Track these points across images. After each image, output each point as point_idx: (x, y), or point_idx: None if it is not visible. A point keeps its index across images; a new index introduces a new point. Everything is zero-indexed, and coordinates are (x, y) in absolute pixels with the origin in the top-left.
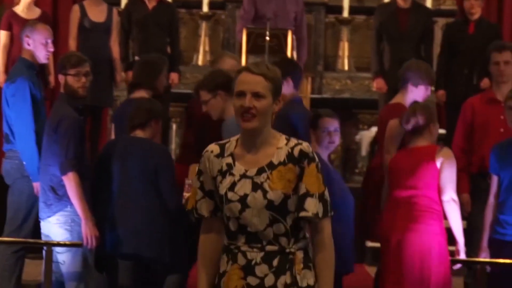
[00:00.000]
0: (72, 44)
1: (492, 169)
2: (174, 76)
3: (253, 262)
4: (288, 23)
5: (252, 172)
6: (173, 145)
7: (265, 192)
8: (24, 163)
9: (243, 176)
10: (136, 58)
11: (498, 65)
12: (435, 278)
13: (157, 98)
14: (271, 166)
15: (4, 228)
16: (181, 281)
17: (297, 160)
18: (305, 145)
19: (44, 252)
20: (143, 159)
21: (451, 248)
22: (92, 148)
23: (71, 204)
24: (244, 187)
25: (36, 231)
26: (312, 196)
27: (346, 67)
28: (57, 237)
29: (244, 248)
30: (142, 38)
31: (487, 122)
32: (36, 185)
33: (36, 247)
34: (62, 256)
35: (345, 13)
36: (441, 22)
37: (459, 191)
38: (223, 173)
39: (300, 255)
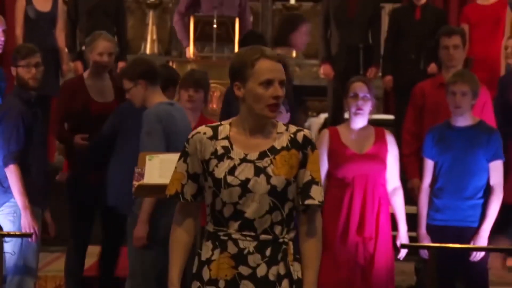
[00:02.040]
0: (19, 33)
1: (427, 154)
2: (122, 65)
3: (246, 251)
4: (233, 11)
5: (253, 156)
6: None
7: (268, 177)
8: None
9: (244, 160)
10: (83, 48)
11: (447, 49)
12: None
13: None
14: (274, 150)
15: None
16: None
17: (301, 145)
18: (307, 132)
19: None
20: None
21: (394, 233)
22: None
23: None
24: (246, 171)
25: None
26: (317, 183)
27: (294, 54)
28: (3, 228)
29: (236, 236)
30: (89, 27)
31: (438, 106)
32: None
33: None
34: (9, 247)
35: (292, 0)
36: (388, 7)
37: (410, 176)
38: (218, 156)
39: (291, 246)
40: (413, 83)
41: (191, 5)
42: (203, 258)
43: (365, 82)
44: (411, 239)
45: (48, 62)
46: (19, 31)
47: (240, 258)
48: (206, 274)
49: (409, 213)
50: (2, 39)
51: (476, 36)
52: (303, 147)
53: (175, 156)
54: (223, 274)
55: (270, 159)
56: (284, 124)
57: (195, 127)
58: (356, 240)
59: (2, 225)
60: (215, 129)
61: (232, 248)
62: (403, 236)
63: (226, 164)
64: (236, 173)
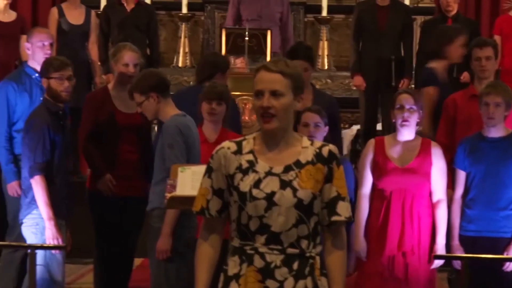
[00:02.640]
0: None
1: (459, 165)
2: None
3: (273, 264)
4: (272, 24)
5: (278, 169)
6: None
7: (295, 190)
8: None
9: (269, 173)
10: None
11: (479, 61)
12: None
13: None
14: (299, 164)
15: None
16: None
17: (327, 160)
18: (332, 146)
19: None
20: None
21: None
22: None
23: (37, 208)
24: (271, 184)
25: None
26: (343, 199)
27: (326, 66)
28: (28, 240)
29: (262, 249)
30: (121, 40)
31: (470, 118)
32: (9, 186)
33: None
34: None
35: (324, 12)
36: (419, 19)
37: None
38: (243, 170)
39: (318, 260)
40: (447, 92)
41: (235, 19)
42: (230, 273)
43: (412, 94)
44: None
45: (80, 75)
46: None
47: (267, 272)
48: None
49: None
50: (49, 52)
51: (507, 47)
52: (329, 162)
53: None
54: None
55: (296, 173)
56: (309, 139)
57: (217, 140)
58: (393, 254)
59: (26, 237)
60: (239, 144)
61: (258, 262)
62: (439, 248)
63: (251, 178)
64: (262, 186)
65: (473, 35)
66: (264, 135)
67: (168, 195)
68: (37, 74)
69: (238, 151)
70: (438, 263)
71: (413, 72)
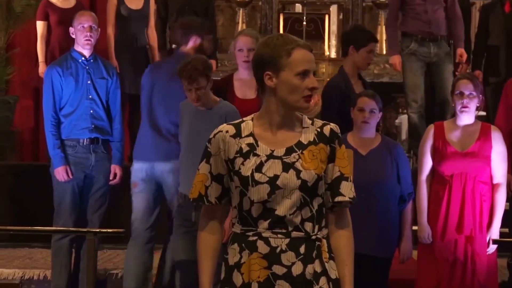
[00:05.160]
0: (110, 32)
1: None
2: (212, 63)
3: (278, 249)
4: (438, 5)
5: (280, 152)
6: None
7: (298, 172)
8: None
9: (271, 156)
10: (174, 46)
11: None
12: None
13: None
14: (301, 145)
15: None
16: None
17: (329, 139)
18: (333, 125)
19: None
20: None
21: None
22: (131, 136)
23: None
24: (274, 167)
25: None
26: (347, 179)
27: (384, 51)
28: None
29: (266, 234)
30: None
31: None
32: (57, 171)
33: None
34: None
35: None
36: (478, 3)
37: None
38: (244, 154)
39: (325, 243)
40: (506, 77)
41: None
42: (231, 262)
43: (471, 79)
44: (503, 235)
45: (139, 60)
46: (110, 29)
47: (273, 257)
48: (237, 279)
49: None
50: (89, 34)
51: None
52: (331, 141)
53: None
54: (255, 276)
55: (298, 154)
56: (309, 118)
57: None
58: (455, 237)
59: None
60: (237, 127)
61: (263, 248)
62: (494, 232)
63: (252, 161)
64: (264, 169)
65: None
66: (278, 114)
67: None
68: (83, 58)
69: (237, 134)
70: (493, 247)
71: (471, 55)
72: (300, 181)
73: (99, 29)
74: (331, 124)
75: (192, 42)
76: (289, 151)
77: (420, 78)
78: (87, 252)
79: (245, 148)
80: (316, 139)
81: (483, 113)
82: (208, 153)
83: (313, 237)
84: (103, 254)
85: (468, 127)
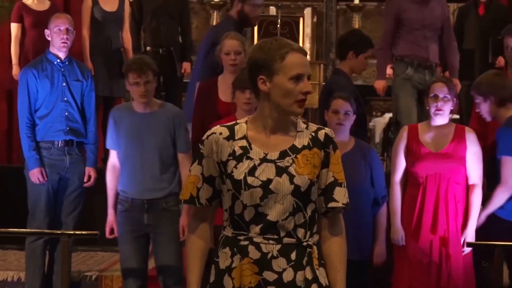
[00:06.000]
0: (85, 34)
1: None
2: (186, 66)
3: (269, 255)
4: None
5: (273, 155)
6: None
7: (291, 177)
8: None
9: (264, 160)
10: (148, 48)
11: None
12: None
13: (170, 87)
14: (295, 149)
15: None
16: None
17: (323, 144)
18: (328, 130)
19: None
20: None
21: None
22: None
23: None
24: (267, 171)
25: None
26: (340, 185)
27: None
28: None
29: (257, 239)
30: (154, 28)
31: None
32: (31, 173)
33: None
34: None
35: (356, 0)
36: (452, 7)
37: None
38: (237, 157)
39: (316, 250)
40: None
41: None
42: (222, 266)
43: (446, 82)
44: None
45: (113, 62)
46: (85, 31)
47: (264, 263)
48: (228, 284)
49: None
50: (66, 37)
51: None
52: (325, 146)
53: None
54: (246, 281)
55: (292, 158)
56: (303, 122)
57: None
58: (429, 239)
59: None
60: (231, 129)
61: (254, 253)
62: (469, 234)
63: (245, 165)
64: (257, 173)
65: (504, 20)
66: (272, 118)
67: None
68: (58, 60)
69: (231, 137)
70: (468, 248)
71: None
72: (293, 186)
73: (75, 32)
74: (325, 128)
75: (236, 7)
76: (283, 154)
77: (414, 103)
78: (61, 254)
79: (238, 151)
80: (311, 143)
81: (457, 116)
82: (201, 155)
83: (305, 243)
84: (77, 256)
85: (442, 128)
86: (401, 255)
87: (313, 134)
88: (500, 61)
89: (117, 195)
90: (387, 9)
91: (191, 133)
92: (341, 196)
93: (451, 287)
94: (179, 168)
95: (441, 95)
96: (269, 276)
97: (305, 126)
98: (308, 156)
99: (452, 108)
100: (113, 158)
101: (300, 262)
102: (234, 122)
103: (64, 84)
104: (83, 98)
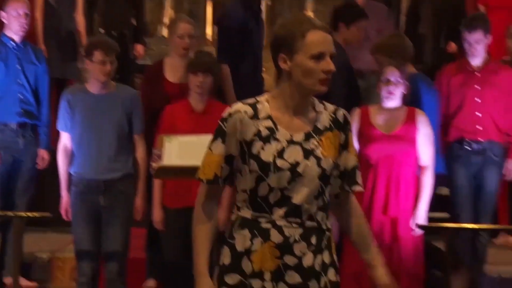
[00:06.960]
0: (38, 16)
1: None
2: (139, 48)
3: (291, 239)
4: None
5: (298, 137)
6: None
7: (318, 160)
8: None
9: (291, 142)
10: (101, 30)
11: (470, 45)
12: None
13: (123, 69)
14: (318, 131)
15: None
16: None
17: (343, 126)
18: (344, 111)
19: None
20: None
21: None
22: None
23: None
24: (295, 154)
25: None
26: (358, 168)
27: None
28: None
29: (280, 222)
30: (107, 10)
31: (463, 91)
32: None
33: None
34: None
35: None
36: None
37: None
38: (264, 138)
39: (332, 234)
40: (434, 62)
41: None
42: (240, 248)
43: (397, 66)
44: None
45: (66, 45)
46: (38, 13)
47: (285, 247)
48: (247, 266)
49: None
50: (24, 21)
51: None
52: (344, 128)
53: (194, 138)
54: (267, 265)
55: (317, 141)
56: (319, 101)
57: (205, 110)
58: (380, 220)
59: None
60: (254, 107)
61: (276, 237)
62: (419, 215)
63: (273, 147)
64: (286, 156)
65: (458, 7)
66: (294, 98)
67: (155, 165)
68: (13, 43)
69: (255, 116)
70: (418, 230)
71: None
72: (320, 169)
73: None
74: (342, 109)
75: None
76: (308, 136)
77: None
78: (13, 236)
79: (264, 131)
80: (332, 125)
81: None
82: (223, 133)
83: (324, 227)
84: (29, 237)
85: (394, 111)
86: None
87: (333, 115)
88: (452, 47)
89: (69, 176)
90: None
91: None
92: (360, 179)
93: (401, 268)
94: (135, 149)
95: (392, 79)
96: (290, 260)
97: (323, 106)
98: (331, 138)
99: (403, 91)
100: (65, 140)
101: (319, 246)
102: (254, 99)
103: (18, 67)
104: (37, 81)
